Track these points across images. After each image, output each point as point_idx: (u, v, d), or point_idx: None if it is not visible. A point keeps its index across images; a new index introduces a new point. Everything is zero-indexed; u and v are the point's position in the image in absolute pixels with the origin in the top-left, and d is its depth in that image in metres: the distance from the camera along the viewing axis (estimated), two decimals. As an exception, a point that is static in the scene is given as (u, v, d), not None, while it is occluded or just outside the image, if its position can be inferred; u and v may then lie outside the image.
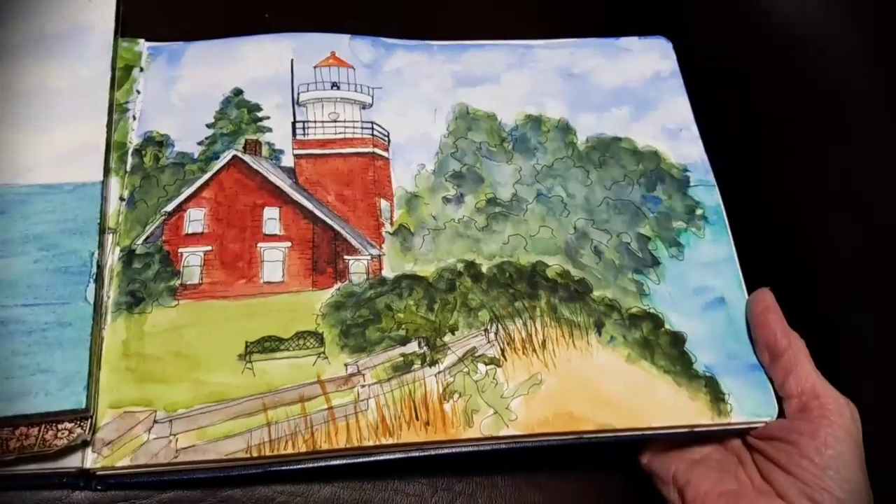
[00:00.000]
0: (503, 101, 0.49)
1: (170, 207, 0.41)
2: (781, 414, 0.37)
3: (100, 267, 0.37)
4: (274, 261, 0.40)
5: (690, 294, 0.42)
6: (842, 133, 0.45)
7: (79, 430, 0.32)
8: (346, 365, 0.37)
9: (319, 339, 0.37)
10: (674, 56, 0.52)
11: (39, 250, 0.36)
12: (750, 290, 0.41)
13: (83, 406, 0.32)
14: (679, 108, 0.50)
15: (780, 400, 0.37)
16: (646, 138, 0.48)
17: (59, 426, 0.32)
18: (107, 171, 0.40)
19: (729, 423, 0.37)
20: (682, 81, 0.51)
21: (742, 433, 0.37)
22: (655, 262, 0.43)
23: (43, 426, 0.31)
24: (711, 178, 0.47)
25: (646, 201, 0.46)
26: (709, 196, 0.46)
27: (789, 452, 0.34)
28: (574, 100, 0.49)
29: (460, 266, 0.42)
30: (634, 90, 0.50)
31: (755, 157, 0.49)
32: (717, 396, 0.37)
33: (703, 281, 0.42)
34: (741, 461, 0.37)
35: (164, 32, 0.49)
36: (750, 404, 0.37)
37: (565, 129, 0.49)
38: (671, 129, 0.49)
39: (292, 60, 0.48)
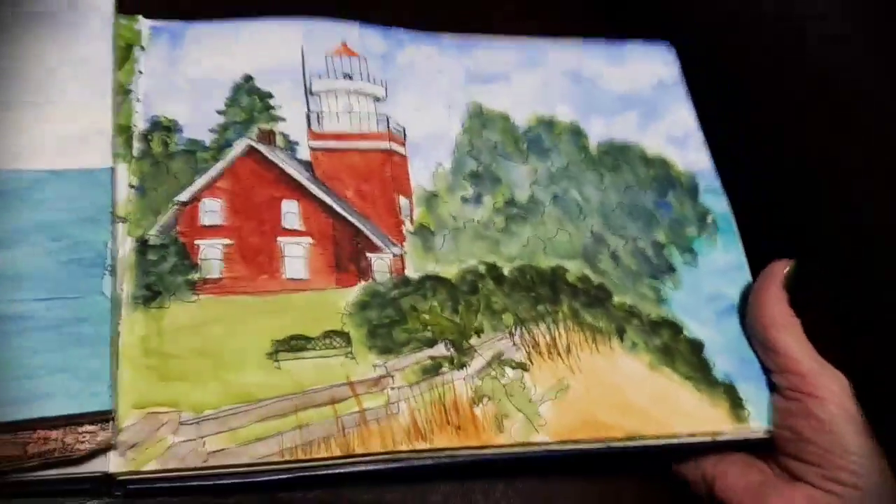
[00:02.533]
0: (515, 100, 0.49)
1: (184, 197, 0.39)
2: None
3: (115, 258, 0.34)
4: (296, 256, 0.39)
5: (705, 301, 0.43)
6: (846, 132, 0.47)
7: (103, 434, 0.30)
8: (374, 366, 0.36)
9: (346, 338, 0.37)
10: (677, 62, 0.53)
11: (51, 240, 0.33)
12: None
13: (108, 407, 0.30)
14: (683, 115, 0.51)
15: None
16: (654, 145, 0.49)
17: (80, 429, 0.30)
18: (114, 157, 0.38)
19: (749, 430, 0.38)
20: (685, 88, 0.52)
21: (763, 444, 0.38)
22: (671, 269, 0.44)
23: (64, 429, 0.29)
24: (719, 185, 0.48)
25: (659, 207, 0.47)
26: (718, 203, 0.48)
27: (793, 440, 0.35)
28: (583, 104, 0.50)
29: (482, 268, 0.42)
30: (640, 96, 0.51)
31: (759, 161, 0.51)
32: (735, 402, 0.39)
33: (717, 288, 0.44)
34: (763, 456, 0.38)
35: (160, 10, 0.46)
36: (766, 410, 0.39)
37: (577, 132, 0.49)
38: (677, 137, 0.50)
39: (302, 47, 0.46)
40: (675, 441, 0.37)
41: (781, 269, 0.39)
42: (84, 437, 0.29)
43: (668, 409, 0.38)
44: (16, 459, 0.28)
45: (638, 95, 0.51)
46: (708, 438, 0.38)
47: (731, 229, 0.46)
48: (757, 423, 0.38)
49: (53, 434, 0.29)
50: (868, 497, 0.33)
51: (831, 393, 0.34)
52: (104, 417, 0.30)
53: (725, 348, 0.41)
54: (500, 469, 0.37)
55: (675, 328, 0.42)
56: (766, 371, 0.40)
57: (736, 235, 0.46)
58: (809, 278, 0.39)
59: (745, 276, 0.44)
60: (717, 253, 0.45)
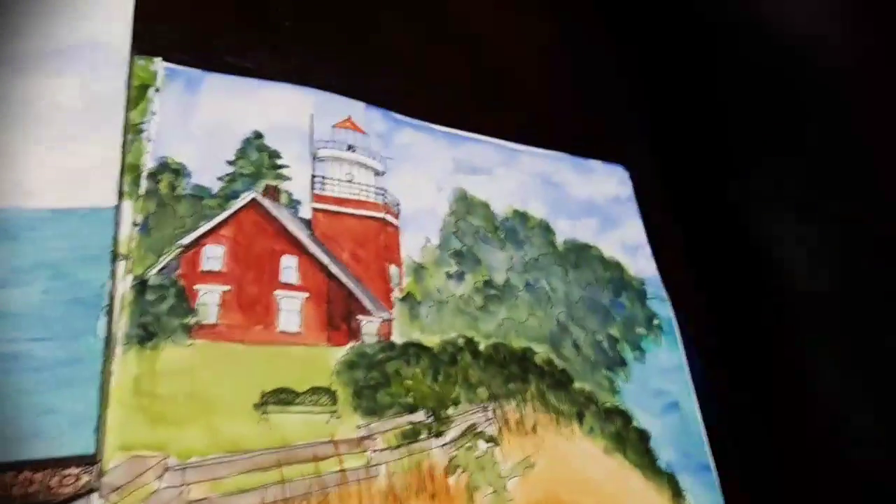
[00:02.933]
0: (495, 192, 0.54)
1: (187, 240, 0.40)
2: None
3: (111, 297, 0.35)
4: (290, 310, 0.40)
5: (651, 395, 0.48)
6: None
7: (86, 478, 0.29)
8: (358, 427, 0.37)
9: (333, 397, 0.38)
10: (630, 183, 0.60)
11: (50, 279, 0.33)
12: (701, 397, 0.48)
13: (92, 452, 0.30)
14: (635, 229, 0.57)
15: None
16: (610, 250, 0.55)
17: (65, 471, 0.29)
18: (120, 194, 0.39)
19: None
20: (637, 206, 0.58)
21: None
22: (623, 363, 0.49)
23: (48, 471, 0.29)
24: (664, 293, 0.54)
25: (613, 305, 0.52)
26: (663, 309, 0.53)
27: None
28: (552, 205, 0.55)
29: (461, 341, 0.44)
30: (600, 206, 0.57)
31: (705, 275, 0.57)
32: (676, 492, 0.43)
33: (661, 385, 0.48)
34: None
35: (176, 50, 0.48)
36: (704, 500, 0.43)
37: (546, 228, 0.54)
38: (630, 246, 0.56)
39: (312, 115, 0.49)
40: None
41: None
42: (68, 480, 0.29)
43: (620, 491, 0.41)
44: None
45: (598, 205, 0.57)
46: None
47: (673, 333, 0.52)
48: None
49: (38, 476, 0.29)
50: None
51: None
52: (89, 461, 0.30)
53: (669, 440, 0.45)
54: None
55: (625, 417, 0.46)
56: (705, 464, 0.44)
57: (677, 339, 0.51)
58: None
59: (685, 376, 0.49)
60: (662, 353, 0.51)
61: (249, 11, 0.57)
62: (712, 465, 0.45)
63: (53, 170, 0.37)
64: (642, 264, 0.55)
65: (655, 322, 0.52)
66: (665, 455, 0.45)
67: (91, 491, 0.30)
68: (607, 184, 0.59)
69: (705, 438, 0.46)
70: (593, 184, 0.58)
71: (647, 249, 0.56)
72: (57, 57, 0.41)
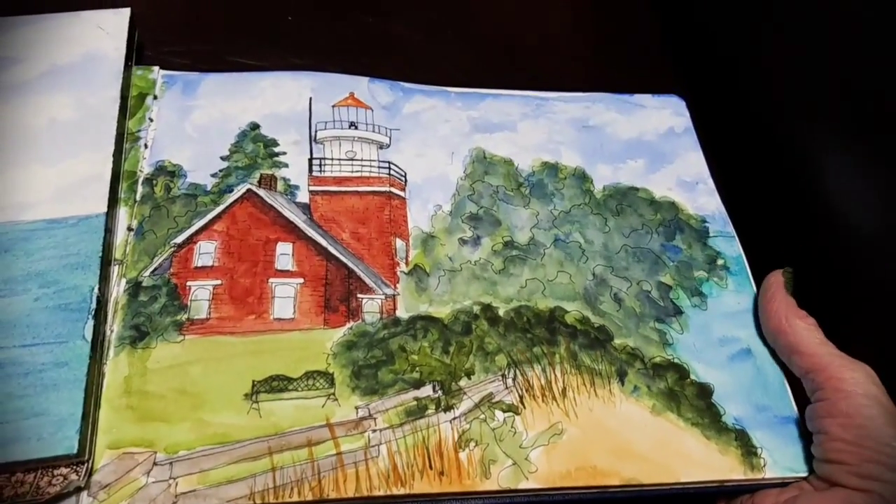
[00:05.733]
0: (520, 147, 0.49)
1: (179, 239, 0.40)
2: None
3: (102, 301, 0.35)
4: (285, 297, 0.39)
5: (715, 344, 0.40)
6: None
7: (73, 476, 0.30)
8: (356, 408, 0.35)
9: (330, 379, 0.36)
10: (687, 113, 0.52)
11: (40, 287, 0.34)
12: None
13: (74, 451, 0.30)
14: (694, 162, 0.49)
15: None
16: (662, 189, 0.48)
17: (55, 472, 0.30)
18: (113, 202, 0.39)
19: (763, 479, 0.35)
20: (697, 137, 0.51)
21: (775, 486, 0.35)
22: (678, 312, 0.42)
23: (39, 472, 0.29)
24: (731, 229, 0.46)
25: (665, 250, 0.45)
26: (729, 246, 0.45)
27: (821, 440, 0.33)
28: (589, 150, 0.49)
29: (476, 308, 0.41)
30: (649, 144, 0.50)
31: (776, 210, 0.49)
32: (749, 451, 0.36)
33: (728, 331, 0.41)
34: None
35: (182, 59, 0.49)
36: (784, 459, 0.35)
37: (582, 176, 0.48)
38: (687, 182, 0.49)
39: (311, 98, 0.47)
40: (678, 487, 0.34)
41: (779, 276, 0.39)
42: (56, 480, 0.29)
43: (672, 456, 0.35)
44: (-9, 502, 0.29)
45: (646, 143, 0.50)
46: (715, 486, 0.34)
47: (743, 272, 0.44)
48: (774, 472, 0.35)
49: (29, 477, 0.29)
50: None
51: (856, 384, 0.32)
52: (79, 460, 0.30)
53: (738, 393, 0.38)
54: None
55: (681, 371, 0.39)
56: (787, 417, 0.37)
57: (749, 278, 0.44)
58: (807, 283, 0.37)
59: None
60: (728, 295, 0.43)
61: (249, 9, 0.57)
62: (796, 415, 0.37)
63: (48, 183, 0.38)
64: (703, 200, 0.48)
65: (720, 262, 0.45)
66: (733, 410, 0.38)
67: (80, 489, 0.30)
68: (659, 117, 0.52)
69: (787, 387, 0.38)
70: (641, 120, 0.51)
71: (710, 183, 0.48)
72: (56, 75, 0.43)
